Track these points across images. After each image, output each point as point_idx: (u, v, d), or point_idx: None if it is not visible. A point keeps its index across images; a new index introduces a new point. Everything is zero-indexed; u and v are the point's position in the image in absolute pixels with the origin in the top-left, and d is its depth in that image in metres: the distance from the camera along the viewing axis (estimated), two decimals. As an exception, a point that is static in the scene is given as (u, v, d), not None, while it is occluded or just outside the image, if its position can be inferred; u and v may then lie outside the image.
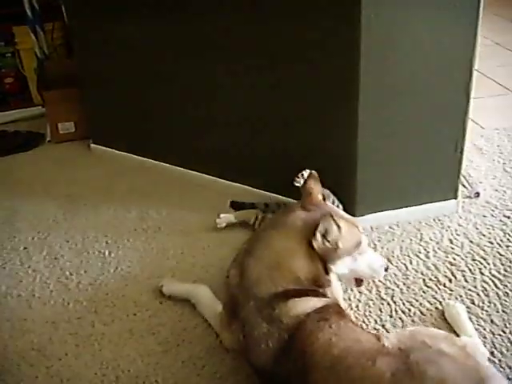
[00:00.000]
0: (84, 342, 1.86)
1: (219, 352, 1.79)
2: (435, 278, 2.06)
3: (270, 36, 2.16)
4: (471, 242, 2.23)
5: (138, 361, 1.77)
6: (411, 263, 2.13)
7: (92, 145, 2.98)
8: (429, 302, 1.95)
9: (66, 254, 2.27)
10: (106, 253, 2.26)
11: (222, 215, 2.33)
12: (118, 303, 2.01)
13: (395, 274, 2.07)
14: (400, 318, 1.89)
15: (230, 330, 1.64)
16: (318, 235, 1.56)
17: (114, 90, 2.76)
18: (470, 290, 2.00)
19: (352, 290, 2.00)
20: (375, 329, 1.85)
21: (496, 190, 2.54)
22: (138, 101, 2.70)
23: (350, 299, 1.97)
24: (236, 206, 2.43)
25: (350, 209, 2.20)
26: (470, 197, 2.48)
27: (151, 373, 1.73)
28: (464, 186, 2.50)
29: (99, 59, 2.72)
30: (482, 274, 2.07)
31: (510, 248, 2.19)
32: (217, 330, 1.82)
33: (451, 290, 2.00)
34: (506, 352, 1.75)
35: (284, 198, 2.39)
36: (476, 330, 1.82)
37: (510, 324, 1.85)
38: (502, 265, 2.10)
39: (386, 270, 1.77)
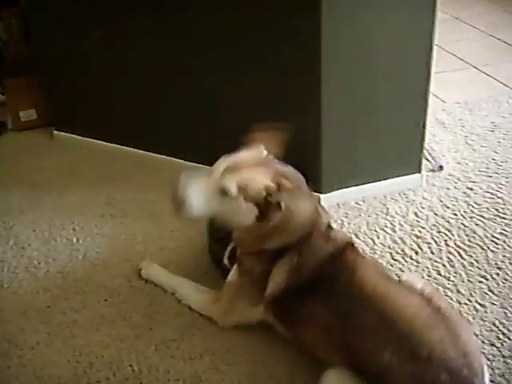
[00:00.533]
0: (56, 329, 1.85)
1: (192, 333, 1.80)
2: (402, 251, 2.10)
3: (233, 22, 2.16)
4: (436, 214, 2.27)
5: (111, 346, 1.78)
6: (378, 238, 2.16)
7: (55, 132, 2.94)
8: (396, 274, 1.98)
9: (33, 243, 2.25)
10: (74, 240, 2.25)
11: None
12: (89, 290, 2.00)
13: (363, 249, 2.10)
14: (369, 292, 1.92)
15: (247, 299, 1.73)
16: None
17: (75, 76, 2.72)
18: (435, 261, 2.04)
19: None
20: (345, 303, 1.88)
21: (459, 163, 2.59)
22: (100, 86, 2.67)
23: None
24: None
25: (316, 186, 2.22)
26: (433, 170, 2.52)
27: (125, 357, 1.74)
28: (427, 159, 2.54)
29: (59, 44, 2.67)
30: (448, 245, 2.11)
31: (473, 219, 2.23)
32: (213, 309, 1.83)
33: (418, 262, 2.04)
34: (472, 320, 1.80)
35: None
36: (443, 300, 1.87)
37: (475, 293, 1.90)
38: (467, 235, 2.15)
39: None
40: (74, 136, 2.88)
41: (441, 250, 2.09)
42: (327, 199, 2.27)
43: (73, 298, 1.97)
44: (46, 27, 2.67)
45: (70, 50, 2.65)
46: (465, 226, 2.20)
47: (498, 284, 1.93)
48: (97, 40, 2.54)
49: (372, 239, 2.16)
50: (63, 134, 2.91)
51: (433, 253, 2.08)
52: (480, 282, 1.95)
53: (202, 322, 1.83)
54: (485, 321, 1.80)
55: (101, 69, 2.62)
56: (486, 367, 1.44)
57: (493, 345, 1.72)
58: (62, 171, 2.71)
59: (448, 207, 2.31)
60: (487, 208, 2.29)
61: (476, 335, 1.74)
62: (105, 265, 2.11)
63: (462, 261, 2.04)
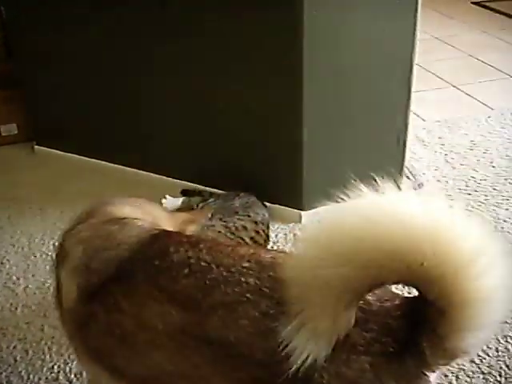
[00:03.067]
0: (33, 347, 1.83)
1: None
2: (382, 268, 2.10)
3: (214, 24, 2.17)
4: (416, 231, 2.28)
5: (90, 363, 1.76)
6: (359, 255, 2.17)
7: (36, 146, 2.92)
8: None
9: (11, 259, 2.23)
10: (54, 255, 2.22)
11: (168, 197, 2.41)
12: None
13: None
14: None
15: None
16: None
17: (57, 91, 2.71)
18: (416, 278, 2.05)
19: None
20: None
21: (438, 181, 2.62)
22: (82, 101, 2.66)
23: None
24: (186, 193, 2.49)
25: (298, 204, 2.24)
26: (414, 188, 2.54)
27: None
28: (408, 177, 2.56)
29: (40, 59, 2.66)
30: (427, 262, 2.12)
31: (453, 236, 2.25)
32: None
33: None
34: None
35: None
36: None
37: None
38: (446, 253, 2.16)
39: None
40: (56, 151, 2.87)
41: (421, 267, 2.10)
42: (309, 217, 2.27)
43: (51, 315, 1.94)
44: (28, 42, 2.67)
45: (51, 64, 2.65)
46: (444, 244, 2.21)
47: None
48: (79, 55, 2.54)
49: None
50: (44, 148, 2.90)
51: (413, 270, 2.09)
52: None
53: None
54: (464, 338, 1.81)
55: (83, 84, 2.62)
56: None
57: (472, 361, 1.72)
58: (42, 186, 2.69)
59: (428, 225, 2.32)
60: (467, 226, 2.31)
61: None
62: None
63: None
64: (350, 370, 0.95)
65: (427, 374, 0.98)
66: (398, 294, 1.05)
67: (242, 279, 1.05)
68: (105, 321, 1.17)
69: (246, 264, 1.08)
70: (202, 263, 1.11)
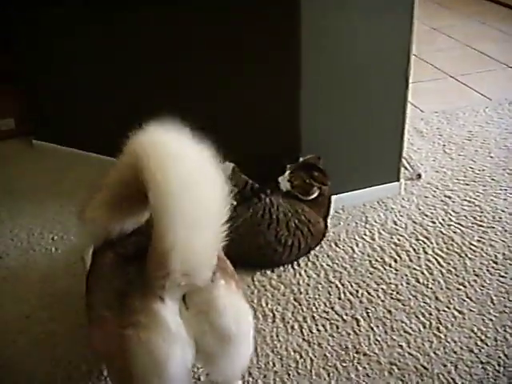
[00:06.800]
0: (34, 340, 1.84)
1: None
2: (381, 259, 2.11)
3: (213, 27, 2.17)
4: (414, 222, 2.29)
5: (90, 357, 1.76)
6: (357, 246, 2.18)
7: (34, 141, 2.92)
8: (375, 282, 2.00)
9: (11, 253, 2.23)
10: (53, 249, 2.23)
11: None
12: (68, 299, 1.98)
13: (342, 258, 2.12)
14: (348, 300, 1.93)
15: None
16: None
17: (55, 85, 2.71)
18: (414, 269, 2.06)
19: (300, 275, 2.04)
20: (325, 311, 1.89)
21: (437, 172, 2.62)
22: (79, 94, 2.66)
23: (299, 283, 2.01)
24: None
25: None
26: (412, 179, 2.55)
27: (104, 369, 1.72)
28: (406, 168, 2.57)
29: (38, 53, 2.66)
30: (426, 252, 2.13)
31: (451, 227, 2.26)
32: None
33: (396, 270, 2.06)
34: (450, 327, 1.82)
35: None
36: (421, 307, 1.89)
37: (453, 300, 1.92)
38: (445, 243, 2.17)
39: None
40: (54, 145, 2.87)
41: (419, 257, 2.11)
42: (307, 208, 2.28)
43: (52, 308, 1.95)
44: (26, 36, 2.66)
45: (49, 58, 2.65)
46: (443, 234, 2.22)
47: (476, 291, 1.95)
48: (77, 49, 2.53)
49: (351, 247, 2.17)
50: (43, 143, 2.90)
51: (411, 260, 2.10)
52: (458, 289, 1.97)
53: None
54: (463, 327, 1.81)
55: (81, 77, 2.61)
56: None
57: (471, 351, 1.73)
58: (41, 180, 2.69)
59: (426, 215, 2.33)
60: (465, 216, 2.32)
61: (455, 342, 1.76)
62: (84, 274, 2.09)
63: (441, 268, 2.06)
64: None
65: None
66: None
67: None
68: None
69: None
70: None
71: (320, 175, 2.15)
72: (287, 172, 2.17)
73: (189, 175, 1.15)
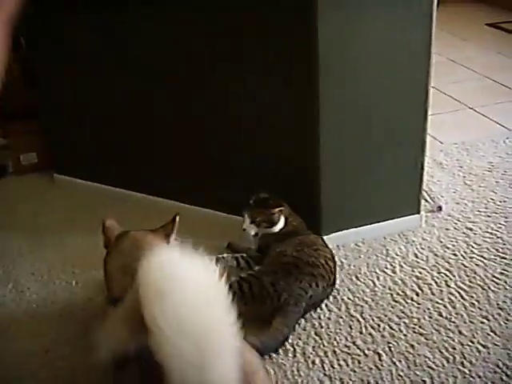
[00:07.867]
0: (55, 375, 1.84)
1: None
2: (403, 292, 2.09)
3: (228, 41, 2.19)
4: (436, 255, 2.27)
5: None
6: (378, 279, 2.16)
7: (55, 175, 2.95)
8: (397, 316, 1.98)
9: (32, 287, 2.24)
10: (73, 283, 2.24)
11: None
12: (88, 334, 1.98)
13: (363, 291, 2.10)
14: (370, 334, 1.91)
15: None
16: None
17: (76, 120, 2.75)
18: (437, 302, 2.04)
19: (321, 309, 2.02)
20: (346, 346, 1.87)
21: (457, 203, 2.60)
22: (101, 129, 2.69)
23: (319, 318, 1.99)
24: (232, 248, 2.35)
25: (315, 229, 2.23)
26: (432, 211, 2.53)
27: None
28: (426, 200, 2.55)
29: (60, 88, 2.71)
30: (448, 285, 2.11)
31: (473, 259, 2.23)
32: None
33: (419, 304, 2.03)
34: (475, 361, 1.78)
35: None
36: (445, 341, 1.86)
37: (477, 334, 1.89)
38: (467, 276, 2.15)
39: None
40: (75, 179, 2.89)
41: (442, 290, 2.09)
42: (327, 241, 2.27)
43: (72, 343, 1.95)
44: (50, 72, 2.71)
45: (71, 94, 2.69)
46: (465, 267, 2.20)
47: (500, 324, 1.92)
48: (101, 86, 2.57)
49: (372, 281, 2.15)
50: (64, 177, 2.93)
51: (434, 294, 2.07)
52: (482, 322, 1.94)
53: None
54: (488, 362, 1.78)
55: (102, 112, 2.65)
56: None
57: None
58: (63, 215, 2.71)
59: (448, 248, 2.31)
60: (487, 248, 2.29)
61: (479, 377, 1.72)
62: (105, 309, 2.09)
63: (463, 301, 2.03)
64: None
65: None
66: None
67: None
68: None
69: None
70: None
71: (274, 201, 2.17)
72: (246, 216, 2.19)
73: (187, 309, 1.04)
